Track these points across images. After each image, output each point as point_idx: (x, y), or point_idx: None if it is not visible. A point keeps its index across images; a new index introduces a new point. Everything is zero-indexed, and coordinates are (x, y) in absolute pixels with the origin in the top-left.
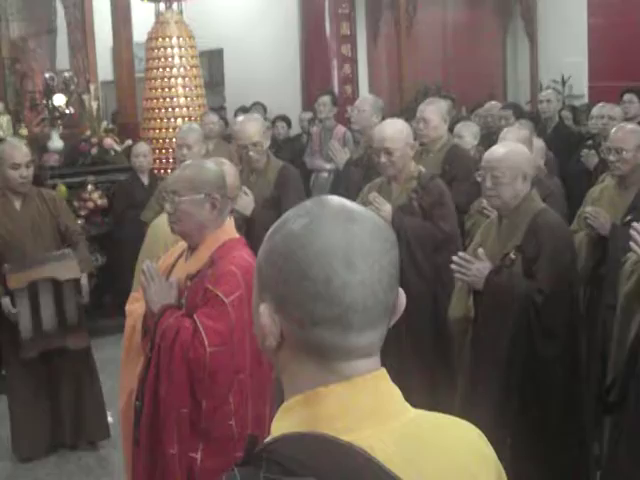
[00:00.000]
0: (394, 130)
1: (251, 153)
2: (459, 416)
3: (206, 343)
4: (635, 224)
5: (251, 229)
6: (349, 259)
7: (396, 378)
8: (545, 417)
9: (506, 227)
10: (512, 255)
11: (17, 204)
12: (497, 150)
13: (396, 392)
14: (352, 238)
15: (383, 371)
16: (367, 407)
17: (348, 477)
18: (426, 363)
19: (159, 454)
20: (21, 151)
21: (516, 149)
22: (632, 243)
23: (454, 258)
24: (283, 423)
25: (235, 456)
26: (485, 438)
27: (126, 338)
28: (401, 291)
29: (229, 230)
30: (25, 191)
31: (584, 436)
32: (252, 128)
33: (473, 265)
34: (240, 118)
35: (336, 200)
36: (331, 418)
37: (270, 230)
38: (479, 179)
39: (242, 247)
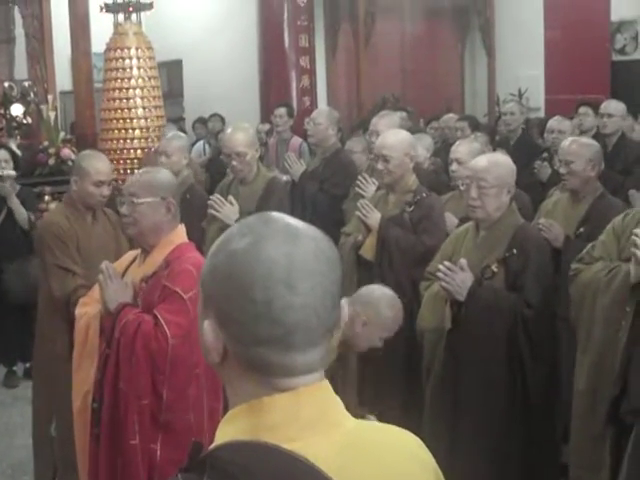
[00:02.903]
0: (394, 139)
1: (234, 163)
2: (430, 435)
3: (168, 335)
4: (638, 230)
5: None
6: (291, 281)
7: (372, 388)
8: (526, 431)
9: (485, 239)
10: (494, 268)
11: (88, 219)
12: (483, 161)
13: (338, 403)
14: (294, 259)
15: (326, 382)
16: (310, 417)
17: None
18: (399, 374)
19: (120, 446)
20: (107, 167)
21: (502, 161)
22: (633, 249)
23: (440, 266)
24: (228, 430)
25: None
26: (424, 445)
27: (78, 341)
28: (343, 304)
29: (182, 234)
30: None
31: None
32: (238, 138)
33: (457, 275)
34: (229, 128)
35: (280, 219)
36: (274, 427)
37: (214, 247)
38: (462, 188)
39: (194, 250)
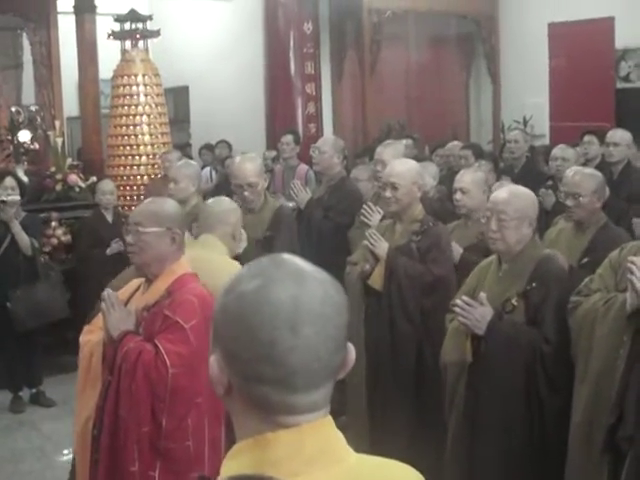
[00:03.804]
0: (403, 167)
1: (246, 193)
2: (450, 465)
3: (168, 364)
4: (633, 258)
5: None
6: (295, 325)
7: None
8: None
9: (507, 272)
10: (514, 302)
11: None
12: (503, 193)
13: (340, 438)
14: (300, 303)
15: (329, 418)
16: (312, 452)
17: None
18: (408, 406)
19: (119, 473)
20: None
21: (523, 193)
22: (629, 275)
23: (457, 301)
24: (233, 464)
25: (190, 477)
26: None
27: (82, 368)
28: (350, 347)
29: (185, 265)
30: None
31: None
32: (249, 168)
33: (476, 310)
34: (237, 158)
35: (290, 262)
36: (278, 462)
37: (226, 285)
38: (483, 220)
39: (196, 281)
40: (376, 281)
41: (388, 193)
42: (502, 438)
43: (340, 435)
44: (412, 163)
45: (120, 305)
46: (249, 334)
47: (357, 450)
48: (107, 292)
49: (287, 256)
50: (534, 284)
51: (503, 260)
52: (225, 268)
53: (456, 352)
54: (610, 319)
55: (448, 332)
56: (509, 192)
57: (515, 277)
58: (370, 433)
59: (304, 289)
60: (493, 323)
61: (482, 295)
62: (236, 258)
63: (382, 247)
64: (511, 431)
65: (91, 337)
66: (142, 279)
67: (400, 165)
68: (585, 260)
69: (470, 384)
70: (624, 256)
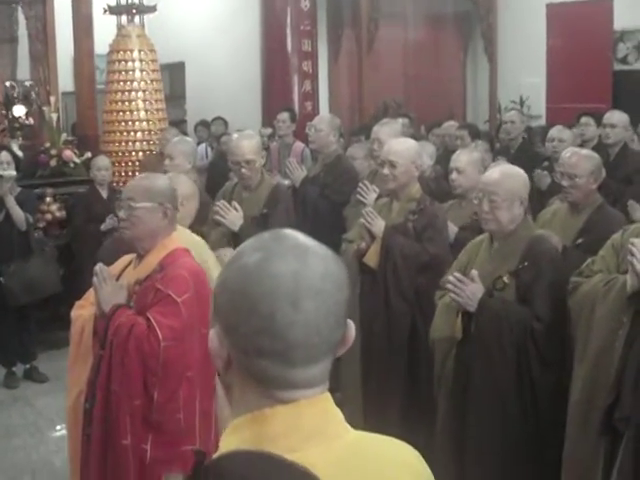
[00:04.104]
0: (403, 146)
1: (243, 170)
2: (441, 440)
3: (160, 337)
4: (634, 240)
5: (237, 245)
6: (296, 299)
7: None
8: (535, 442)
9: (499, 250)
10: (505, 279)
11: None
12: (494, 174)
13: (338, 414)
14: (301, 278)
15: (327, 395)
16: (311, 428)
17: None
18: (402, 382)
19: (111, 446)
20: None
21: (514, 173)
22: (630, 257)
23: (449, 278)
24: (231, 440)
25: (181, 449)
26: (421, 458)
27: (73, 343)
28: (350, 323)
29: (177, 239)
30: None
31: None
32: (247, 146)
33: (467, 287)
34: (235, 135)
35: (292, 237)
36: (276, 437)
37: (229, 259)
38: (475, 202)
39: (188, 255)
40: (372, 259)
41: (386, 170)
42: (493, 415)
43: (338, 411)
44: (411, 142)
45: (112, 279)
46: (249, 306)
47: (351, 426)
48: (99, 266)
49: (289, 231)
50: (526, 263)
51: (495, 238)
52: None
53: (446, 329)
54: (610, 300)
55: (438, 309)
56: (500, 173)
57: (507, 255)
58: (364, 409)
59: (305, 264)
60: (484, 300)
61: (474, 272)
62: (233, 236)
63: (378, 225)
64: (502, 408)
65: (83, 312)
66: (133, 255)
67: (399, 144)
68: (580, 241)
69: (460, 360)
70: (626, 238)
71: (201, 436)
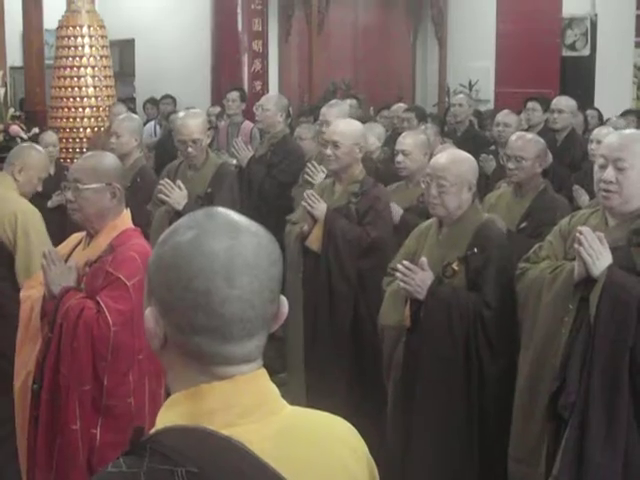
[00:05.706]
0: (347, 127)
1: (190, 149)
2: (393, 424)
3: (110, 322)
4: (582, 228)
5: None
6: (230, 275)
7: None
8: (483, 430)
9: (447, 236)
10: (455, 266)
11: None
12: (442, 158)
13: (274, 390)
14: (234, 254)
15: (263, 371)
16: (247, 404)
17: (226, 468)
18: (344, 366)
19: (60, 430)
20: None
21: (463, 159)
22: (577, 246)
23: (398, 266)
24: (168, 416)
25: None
26: (356, 432)
27: (22, 324)
28: (283, 300)
29: (127, 219)
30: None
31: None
32: (193, 124)
33: (416, 275)
34: (181, 113)
35: (225, 215)
36: (212, 413)
37: (162, 236)
38: (423, 185)
39: (139, 236)
40: (314, 242)
41: (329, 151)
42: (442, 403)
43: (274, 387)
44: (356, 124)
45: (60, 261)
46: (184, 284)
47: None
48: (48, 249)
49: (221, 209)
50: (475, 249)
51: (444, 224)
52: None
53: (394, 316)
54: (557, 287)
55: (386, 295)
56: (448, 157)
57: (455, 242)
58: (307, 390)
59: (238, 240)
60: (433, 288)
61: (423, 260)
62: (177, 215)
63: (320, 208)
64: (450, 396)
65: (32, 292)
66: (83, 233)
67: (344, 124)
68: (523, 225)
69: (409, 347)
70: (574, 224)
71: (150, 419)
